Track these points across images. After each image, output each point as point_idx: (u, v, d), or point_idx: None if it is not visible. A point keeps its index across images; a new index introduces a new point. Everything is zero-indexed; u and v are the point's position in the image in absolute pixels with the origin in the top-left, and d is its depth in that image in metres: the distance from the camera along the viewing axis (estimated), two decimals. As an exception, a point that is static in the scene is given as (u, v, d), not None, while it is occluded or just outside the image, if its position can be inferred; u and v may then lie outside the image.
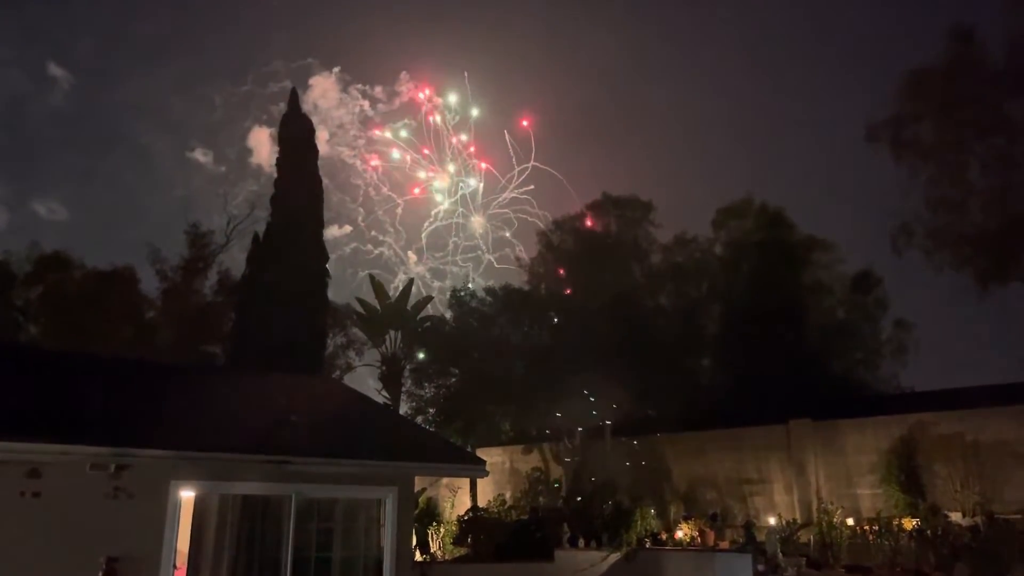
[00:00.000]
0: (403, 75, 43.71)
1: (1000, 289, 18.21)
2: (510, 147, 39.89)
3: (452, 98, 40.20)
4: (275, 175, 25.67)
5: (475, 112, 39.92)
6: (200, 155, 52.36)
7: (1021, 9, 17.43)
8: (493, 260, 40.22)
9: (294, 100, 26.87)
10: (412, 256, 40.67)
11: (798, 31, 58.68)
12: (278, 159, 26.13)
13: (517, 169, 38.48)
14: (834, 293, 27.41)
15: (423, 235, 39.46)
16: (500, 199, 39.94)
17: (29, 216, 54.85)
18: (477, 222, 39.98)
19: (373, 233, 41.52)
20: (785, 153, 55.10)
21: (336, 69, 45.52)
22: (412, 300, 27.71)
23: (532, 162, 38.84)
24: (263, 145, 48.86)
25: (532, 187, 39.50)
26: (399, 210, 40.77)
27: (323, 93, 45.45)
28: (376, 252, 40.73)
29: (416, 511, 17.66)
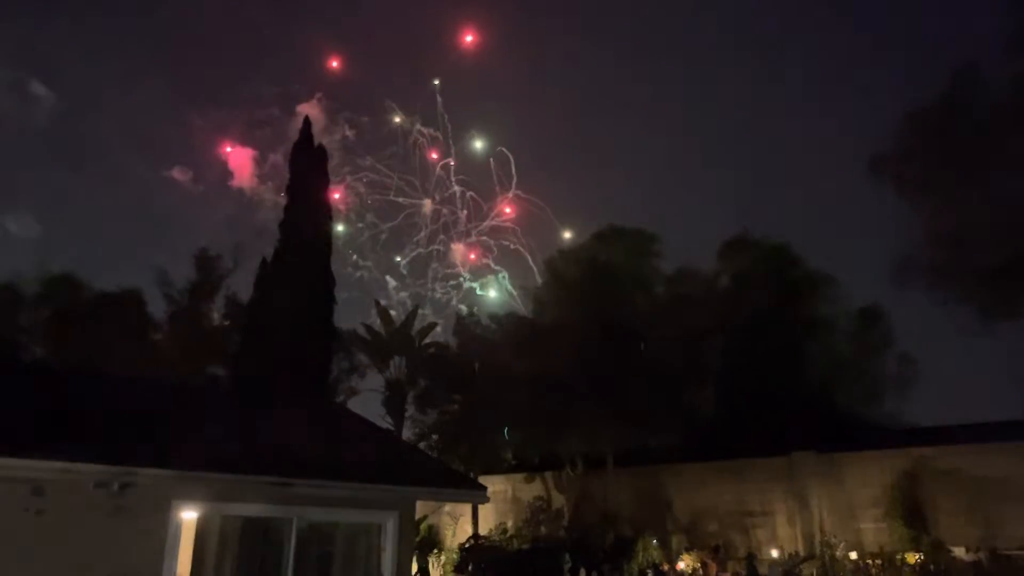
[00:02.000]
0: (388, 104, 44.39)
1: (1004, 324, 18.17)
2: (494, 176, 40.39)
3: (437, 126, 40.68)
4: (284, 200, 25.93)
5: (478, 144, 40.42)
6: (178, 174, 52.80)
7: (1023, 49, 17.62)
8: (476, 287, 40.55)
9: (306, 128, 27.22)
10: (391, 280, 40.97)
11: (804, 62, 59.20)
12: (288, 185, 26.43)
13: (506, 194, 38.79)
14: (837, 327, 27.40)
15: (403, 261, 39.76)
16: (481, 227, 40.37)
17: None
18: (458, 250, 40.38)
19: (355, 257, 41.89)
20: (789, 188, 55.42)
21: (318, 96, 46.17)
22: (416, 326, 27.79)
23: (514, 190, 39.30)
24: (244, 167, 49.49)
25: (512, 215, 40.00)
26: (383, 236, 41.20)
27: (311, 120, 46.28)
28: (357, 275, 41.06)
29: (417, 538, 17.62)
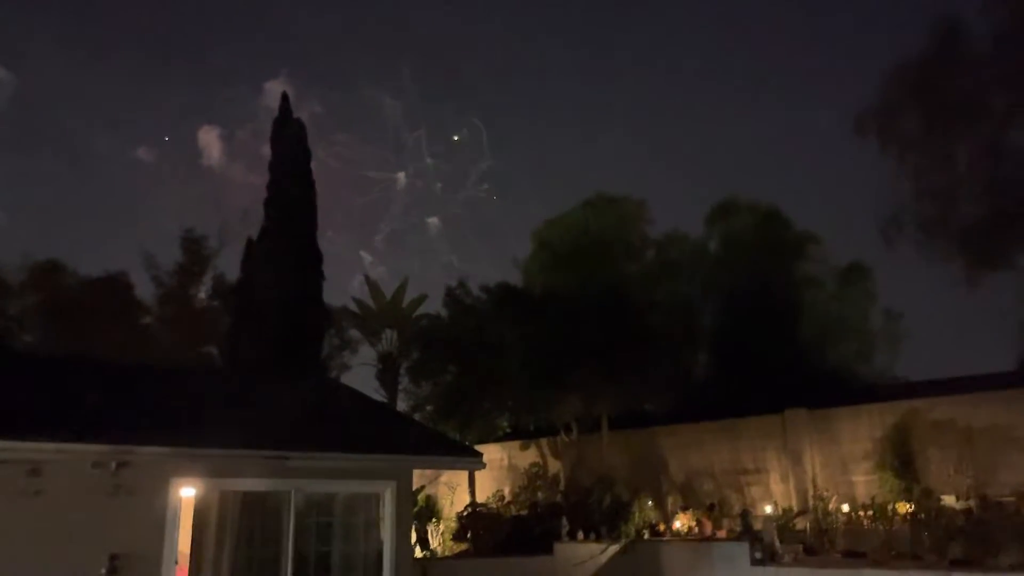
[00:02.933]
0: (358, 77, 43.97)
1: (991, 278, 18.36)
2: (468, 147, 40.25)
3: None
4: (260, 181, 25.74)
5: (456, 137, 40.04)
6: (144, 154, 51.75)
7: (1004, 2, 17.59)
8: (454, 260, 40.57)
9: (285, 104, 26.93)
10: (367, 256, 40.91)
11: (785, 24, 58.83)
12: (271, 163, 26.20)
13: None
14: (826, 286, 27.60)
15: (378, 235, 39.68)
16: (457, 198, 40.30)
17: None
18: (433, 222, 40.32)
19: (329, 233, 41.76)
20: (774, 151, 55.41)
21: (285, 71, 45.63)
22: (407, 299, 27.83)
23: (488, 161, 39.21)
24: (212, 145, 48.99)
25: (486, 187, 39.95)
26: (357, 211, 41.10)
27: (277, 97, 46.02)
28: (331, 250, 40.97)
29: (415, 508, 17.77)
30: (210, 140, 50.01)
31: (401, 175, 41.86)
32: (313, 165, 25.94)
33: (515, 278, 27.52)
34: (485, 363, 20.93)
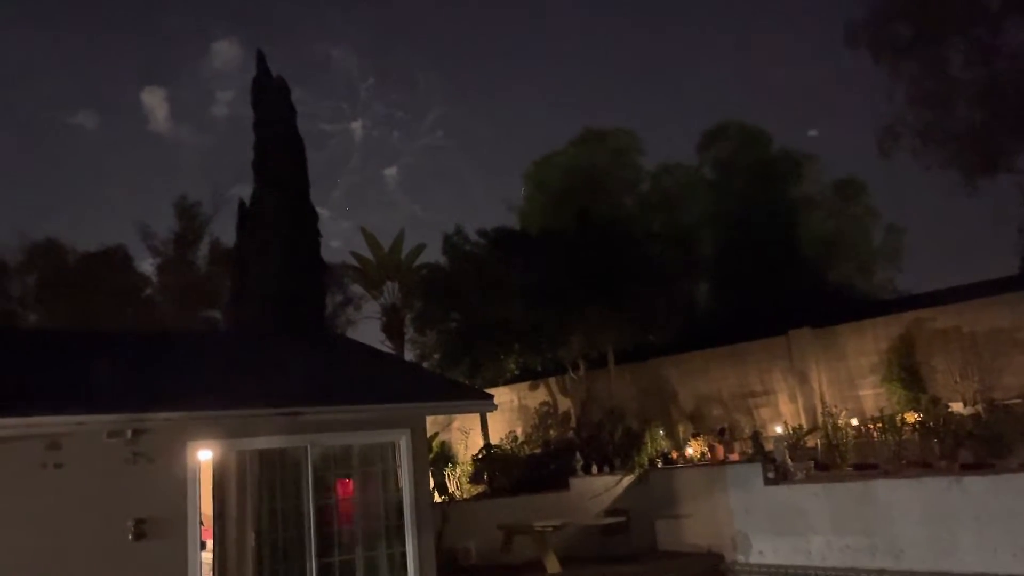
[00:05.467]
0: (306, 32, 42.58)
1: (990, 182, 18.24)
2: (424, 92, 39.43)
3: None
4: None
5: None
6: (84, 119, 49.95)
7: None
8: (418, 210, 40.25)
9: (261, 61, 26.38)
10: (324, 211, 40.56)
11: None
12: (255, 123, 25.82)
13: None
14: (823, 205, 27.49)
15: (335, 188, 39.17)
16: (413, 146, 39.85)
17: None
18: (390, 173, 39.86)
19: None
20: (764, 71, 54.49)
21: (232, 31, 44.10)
22: (406, 249, 27.76)
23: (445, 107, 38.47)
24: (159, 107, 47.78)
25: (440, 134, 39.38)
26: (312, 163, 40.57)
27: (226, 58, 45.06)
28: None
29: (431, 455, 18.00)
30: (156, 103, 48.84)
31: (356, 126, 41.34)
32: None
33: (511, 221, 27.45)
34: (488, 307, 20.97)
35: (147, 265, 30.37)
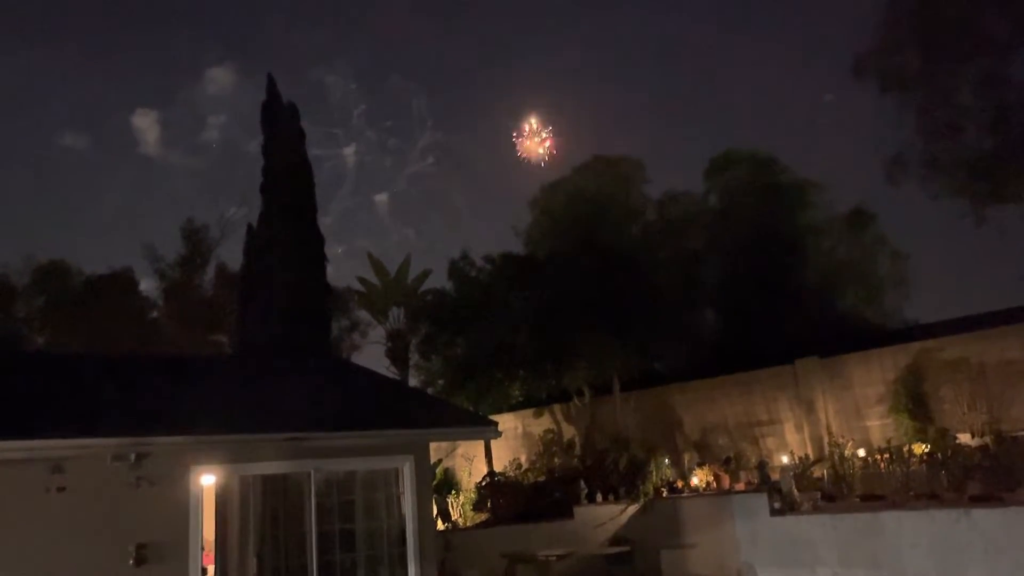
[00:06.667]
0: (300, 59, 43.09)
1: (997, 212, 18.19)
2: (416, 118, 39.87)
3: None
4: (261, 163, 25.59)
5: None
6: (73, 141, 50.06)
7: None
8: (411, 234, 40.42)
9: (272, 85, 26.67)
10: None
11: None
12: (264, 147, 26.04)
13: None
14: (831, 233, 27.46)
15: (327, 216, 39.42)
16: (404, 174, 40.16)
17: None
18: (380, 200, 40.16)
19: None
20: (771, 101, 54.78)
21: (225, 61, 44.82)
22: (412, 274, 27.83)
23: (437, 134, 38.89)
24: (151, 129, 48.22)
25: (431, 160, 39.74)
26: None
27: (221, 84, 45.71)
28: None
29: (434, 482, 17.90)
30: (148, 126, 49.34)
31: (348, 151, 41.78)
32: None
33: (508, 247, 27.50)
34: (493, 333, 20.95)
35: (153, 288, 30.50)
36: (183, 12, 62.45)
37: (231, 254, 29.85)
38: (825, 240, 26.93)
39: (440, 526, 17.74)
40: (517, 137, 38.44)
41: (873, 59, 17.93)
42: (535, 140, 37.89)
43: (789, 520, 13.67)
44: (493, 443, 22.01)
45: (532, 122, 38.33)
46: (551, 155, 37.63)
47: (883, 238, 26.97)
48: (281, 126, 25.64)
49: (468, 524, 18.91)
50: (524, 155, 38.17)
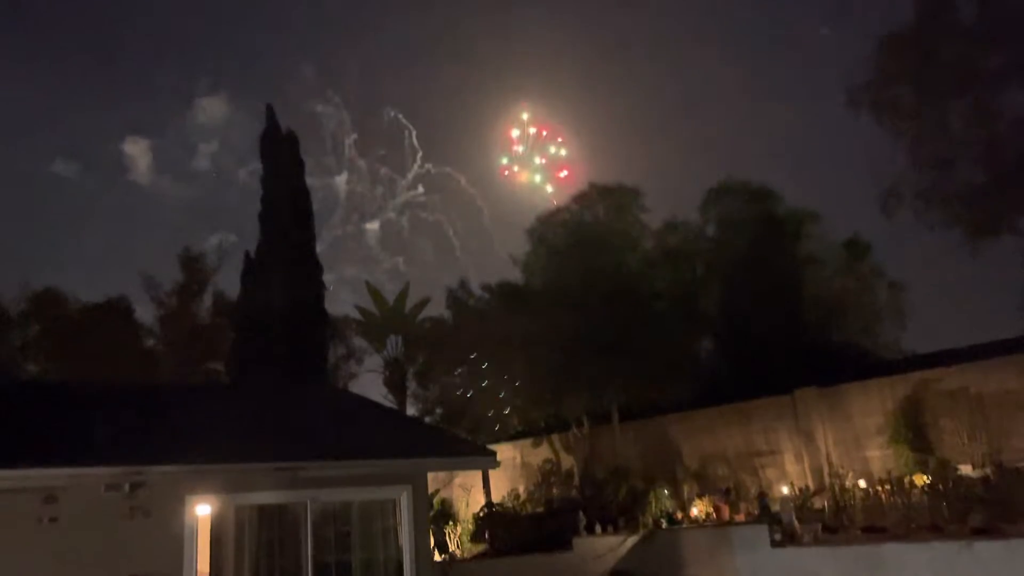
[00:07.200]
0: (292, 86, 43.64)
1: (993, 243, 18.28)
2: (407, 146, 40.28)
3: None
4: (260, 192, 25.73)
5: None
6: (62, 168, 50.32)
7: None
8: (400, 263, 40.60)
9: (271, 116, 26.90)
10: None
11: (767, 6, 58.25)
12: (263, 177, 26.21)
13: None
14: (827, 263, 27.53)
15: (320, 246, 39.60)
16: (394, 203, 40.42)
17: None
18: (371, 228, 40.42)
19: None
20: (766, 127, 55.04)
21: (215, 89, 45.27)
22: (410, 303, 27.80)
23: (427, 164, 39.28)
24: (141, 157, 48.58)
25: (421, 189, 40.07)
26: None
27: (211, 112, 46.38)
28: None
29: (432, 512, 17.73)
30: (139, 153, 49.71)
31: (341, 180, 42.10)
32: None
33: (503, 276, 27.47)
34: (491, 362, 20.89)
35: (149, 316, 30.35)
36: (175, 41, 62.90)
37: (228, 282, 29.76)
38: (822, 270, 26.99)
39: (437, 558, 17.54)
40: (508, 166, 38.86)
41: (866, 91, 18.12)
42: (527, 167, 38.23)
43: (790, 552, 13.55)
44: (491, 473, 21.84)
45: (519, 149, 38.71)
46: (557, 181, 37.98)
47: (880, 268, 27.05)
48: (281, 156, 25.81)
49: (466, 556, 18.70)
50: (512, 176, 38.50)
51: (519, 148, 39.77)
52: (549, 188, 38.86)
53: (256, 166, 26.62)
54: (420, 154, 42.63)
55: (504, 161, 40.16)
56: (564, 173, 38.25)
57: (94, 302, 29.71)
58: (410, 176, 42.97)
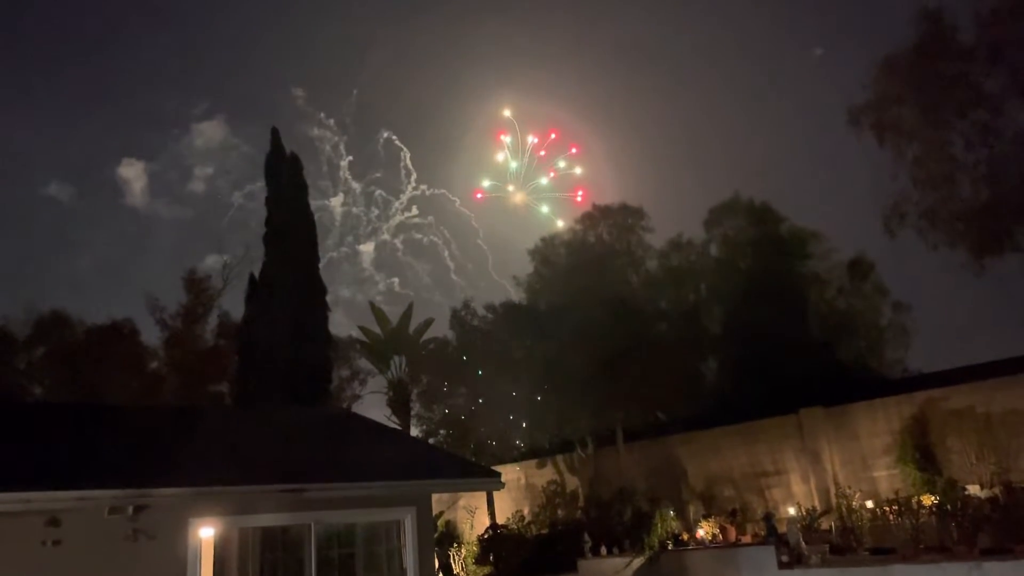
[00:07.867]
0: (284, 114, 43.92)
1: (996, 262, 18.26)
2: (402, 169, 40.58)
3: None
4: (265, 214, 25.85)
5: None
6: (56, 191, 50.70)
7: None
8: (395, 283, 40.68)
9: (276, 139, 27.05)
10: None
11: (771, 23, 58.54)
12: (267, 199, 26.31)
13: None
14: (831, 283, 27.51)
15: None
16: (388, 224, 40.61)
17: None
18: (365, 250, 40.58)
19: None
20: (769, 146, 55.12)
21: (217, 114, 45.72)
22: (413, 324, 27.82)
23: (421, 185, 39.54)
24: (137, 180, 48.92)
25: (416, 211, 40.32)
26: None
27: (209, 137, 46.89)
28: None
29: (436, 534, 17.63)
30: (135, 176, 50.11)
31: (336, 202, 42.47)
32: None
33: (512, 296, 27.53)
34: (496, 383, 20.86)
35: (154, 338, 30.40)
36: (172, 66, 63.41)
37: (232, 304, 29.85)
38: (826, 290, 26.97)
39: (441, 580, 17.44)
40: (481, 188, 39.06)
41: (868, 112, 18.20)
42: (520, 189, 38.35)
43: (797, 574, 13.41)
44: (496, 495, 21.74)
45: (513, 164, 38.85)
46: (574, 203, 38.02)
47: (883, 287, 27.02)
48: (284, 179, 25.94)
49: (470, 578, 18.57)
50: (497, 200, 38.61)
51: (514, 165, 40.00)
52: (554, 217, 39.02)
53: (251, 188, 26.88)
54: (414, 176, 42.96)
55: (486, 184, 40.47)
56: (580, 195, 38.41)
57: (99, 324, 29.78)
58: (404, 198, 43.33)
